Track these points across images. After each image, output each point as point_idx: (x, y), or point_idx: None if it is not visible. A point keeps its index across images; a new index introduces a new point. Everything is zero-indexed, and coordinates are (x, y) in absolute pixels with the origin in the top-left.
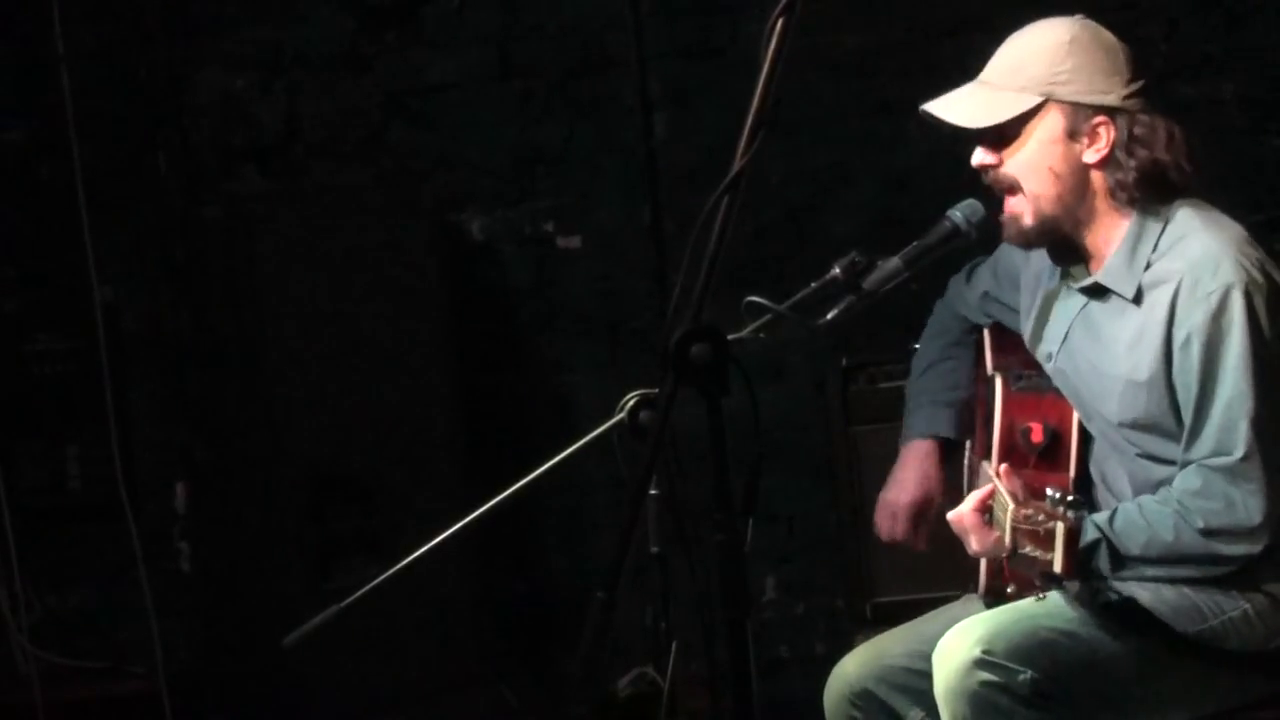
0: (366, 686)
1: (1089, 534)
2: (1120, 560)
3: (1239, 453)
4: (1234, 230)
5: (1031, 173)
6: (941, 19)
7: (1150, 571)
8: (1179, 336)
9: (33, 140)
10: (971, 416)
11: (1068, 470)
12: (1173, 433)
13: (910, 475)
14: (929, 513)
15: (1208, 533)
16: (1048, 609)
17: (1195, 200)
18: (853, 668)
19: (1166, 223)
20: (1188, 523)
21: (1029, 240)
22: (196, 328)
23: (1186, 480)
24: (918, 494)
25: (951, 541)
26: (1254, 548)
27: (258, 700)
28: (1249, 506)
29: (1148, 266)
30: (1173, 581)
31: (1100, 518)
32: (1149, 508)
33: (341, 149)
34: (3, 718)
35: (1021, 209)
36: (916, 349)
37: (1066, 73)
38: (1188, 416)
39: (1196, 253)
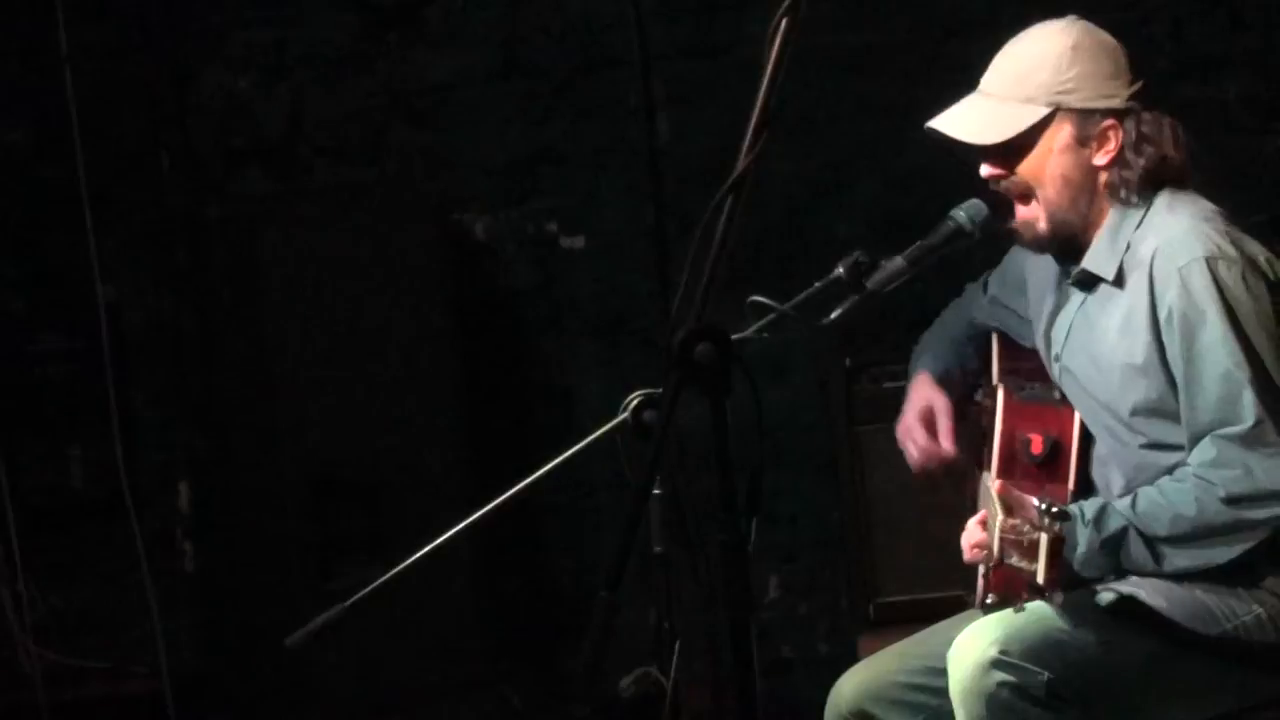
0: (369, 686)
1: (1113, 523)
2: (1153, 544)
3: (1249, 420)
4: (1204, 207)
5: (1045, 182)
6: (945, 19)
7: (1183, 554)
8: (1162, 315)
9: (36, 140)
10: (963, 380)
11: (1067, 482)
12: (1176, 415)
13: (910, 399)
14: (935, 415)
15: (1231, 500)
16: (1061, 611)
17: (1176, 188)
18: (849, 689)
19: (1148, 208)
20: (1209, 494)
21: (1044, 245)
22: (200, 328)
23: (1202, 453)
24: (919, 406)
25: (954, 542)
26: (1279, 511)
27: (261, 700)
28: (1268, 470)
29: (1128, 248)
30: (1191, 579)
31: (1122, 504)
32: (1167, 487)
33: (344, 149)
34: (6, 718)
35: (1036, 215)
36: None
37: (1072, 80)
38: (1183, 394)
39: (1168, 230)
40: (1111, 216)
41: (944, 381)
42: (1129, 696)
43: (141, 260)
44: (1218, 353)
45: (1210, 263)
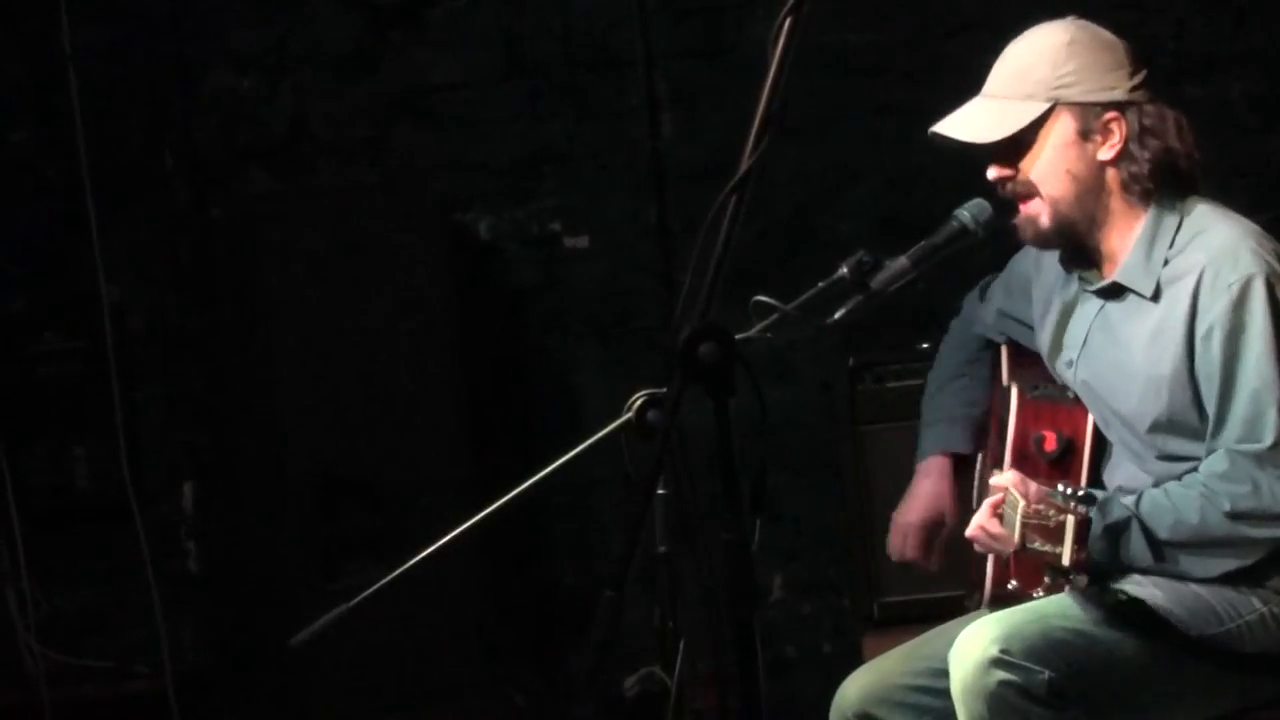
0: (373, 686)
1: (1116, 512)
2: (1154, 543)
3: (1268, 440)
4: (1249, 224)
5: (1049, 178)
6: (947, 19)
7: (1181, 559)
8: (1201, 329)
9: (39, 140)
10: (985, 433)
11: (1079, 479)
12: (1195, 430)
13: (922, 493)
14: (940, 531)
15: (1234, 516)
16: (1062, 609)
17: (1208, 198)
18: (853, 692)
19: (1182, 218)
20: (1214, 505)
21: (1046, 241)
22: (203, 327)
23: (1214, 464)
24: (928, 513)
25: (959, 542)
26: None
27: (264, 700)
28: (1275, 492)
29: (1165, 263)
30: (1200, 581)
31: (1128, 499)
32: (1174, 491)
33: (348, 149)
34: (10, 717)
35: (1039, 210)
36: (931, 367)
37: (1071, 74)
38: (1211, 407)
39: (1216, 245)
40: (1144, 228)
41: (960, 442)
42: (1131, 695)
43: (145, 260)
44: (1255, 371)
45: (1263, 279)
